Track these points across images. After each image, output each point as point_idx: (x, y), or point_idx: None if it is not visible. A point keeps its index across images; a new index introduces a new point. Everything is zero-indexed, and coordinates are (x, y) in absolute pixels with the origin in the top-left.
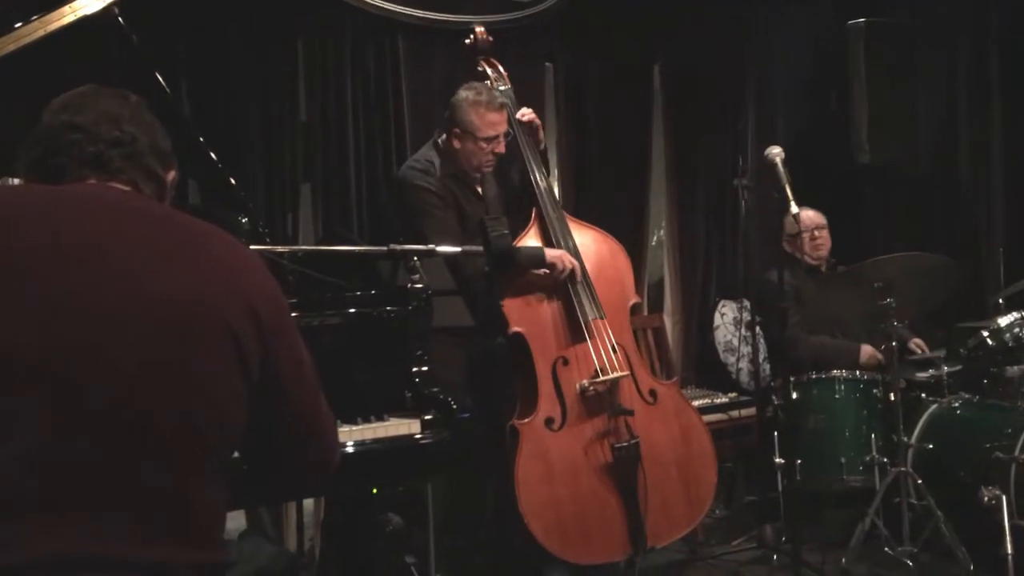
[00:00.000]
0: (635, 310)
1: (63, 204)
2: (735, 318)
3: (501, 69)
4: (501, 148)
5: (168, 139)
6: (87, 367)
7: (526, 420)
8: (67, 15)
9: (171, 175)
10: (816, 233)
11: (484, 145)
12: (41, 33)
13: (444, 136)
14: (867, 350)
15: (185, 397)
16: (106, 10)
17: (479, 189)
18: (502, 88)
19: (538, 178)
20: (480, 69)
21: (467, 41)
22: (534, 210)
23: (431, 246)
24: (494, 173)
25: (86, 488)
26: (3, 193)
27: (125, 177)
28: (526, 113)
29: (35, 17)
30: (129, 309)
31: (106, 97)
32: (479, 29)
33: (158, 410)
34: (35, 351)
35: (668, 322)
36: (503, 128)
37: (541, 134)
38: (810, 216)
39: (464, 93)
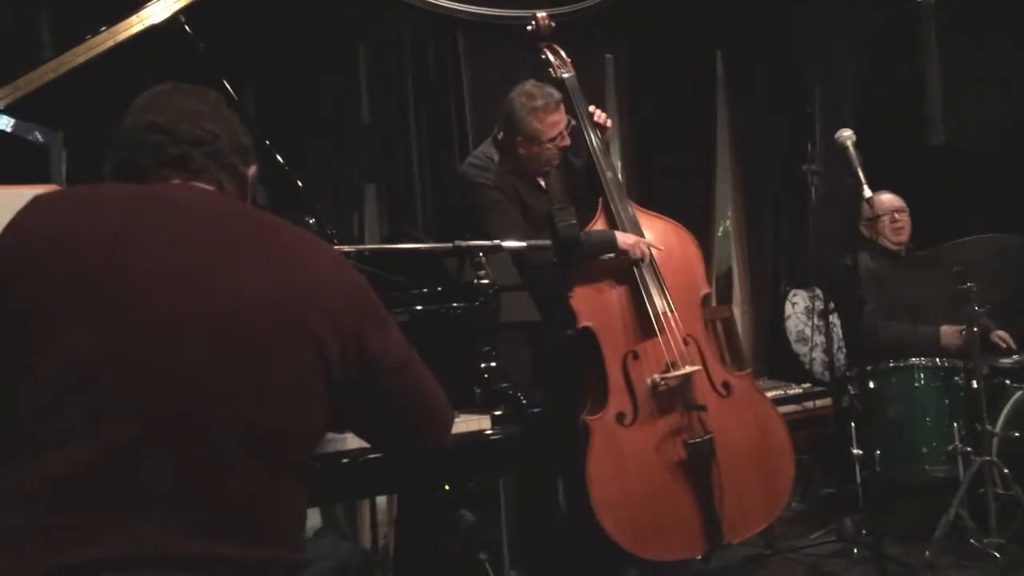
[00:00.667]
0: (706, 301)
1: (138, 203)
2: (807, 307)
3: (564, 55)
4: (566, 141)
5: (248, 135)
6: (153, 368)
7: (597, 415)
8: (135, 24)
9: (252, 170)
10: (897, 216)
11: (550, 146)
12: (111, 43)
13: (502, 133)
14: (946, 331)
15: (256, 398)
16: (172, 19)
17: (541, 183)
18: (565, 75)
19: (604, 168)
20: (543, 56)
21: (529, 28)
22: (600, 200)
23: (496, 241)
24: (563, 165)
25: (151, 487)
26: (77, 194)
27: (208, 176)
28: (599, 115)
29: (104, 28)
30: (199, 309)
31: (185, 95)
32: (541, 15)
33: (225, 411)
34: (99, 352)
35: (737, 313)
36: (564, 123)
37: (608, 133)
38: (889, 199)
39: (519, 100)
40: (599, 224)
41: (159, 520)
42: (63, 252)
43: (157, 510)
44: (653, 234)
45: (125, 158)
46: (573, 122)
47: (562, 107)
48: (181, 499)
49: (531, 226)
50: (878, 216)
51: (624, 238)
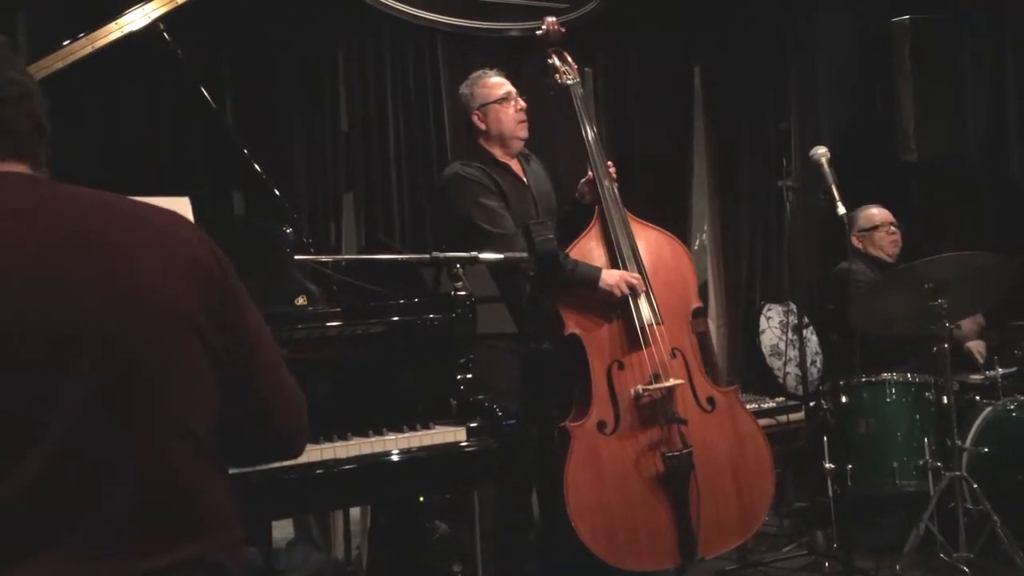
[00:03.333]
0: (698, 314)
1: None
2: (781, 322)
3: (571, 61)
4: (522, 103)
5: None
6: (48, 379)
7: (578, 423)
8: (114, 31)
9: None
10: (892, 228)
11: (508, 105)
12: (89, 50)
13: (473, 134)
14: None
15: (161, 389)
16: (151, 26)
17: (523, 177)
18: (570, 81)
19: (601, 176)
20: (550, 61)
21: (539, 32)
22: (596, 209)
23: (474, 253)
24: (541, 170)
25: (90, 508)
26: None
27: (27, 151)
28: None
29: (82, 34)
30: (73, 312)
31: None
32: (550, 19)
33: (129, 404)
34: None
35: (712, 327)
36: (510, 86)
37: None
38: (883, 212)
39: (461, 92)
40: (594, 231)
41: (106, 538)
42: None
43: (104, 528)
44: (646, 244)
45: None
46: (525, 96)
47: (499, 75)
48: (124, 511)
49: (513, 220)
50: (875, 227)
51: (607, 277)
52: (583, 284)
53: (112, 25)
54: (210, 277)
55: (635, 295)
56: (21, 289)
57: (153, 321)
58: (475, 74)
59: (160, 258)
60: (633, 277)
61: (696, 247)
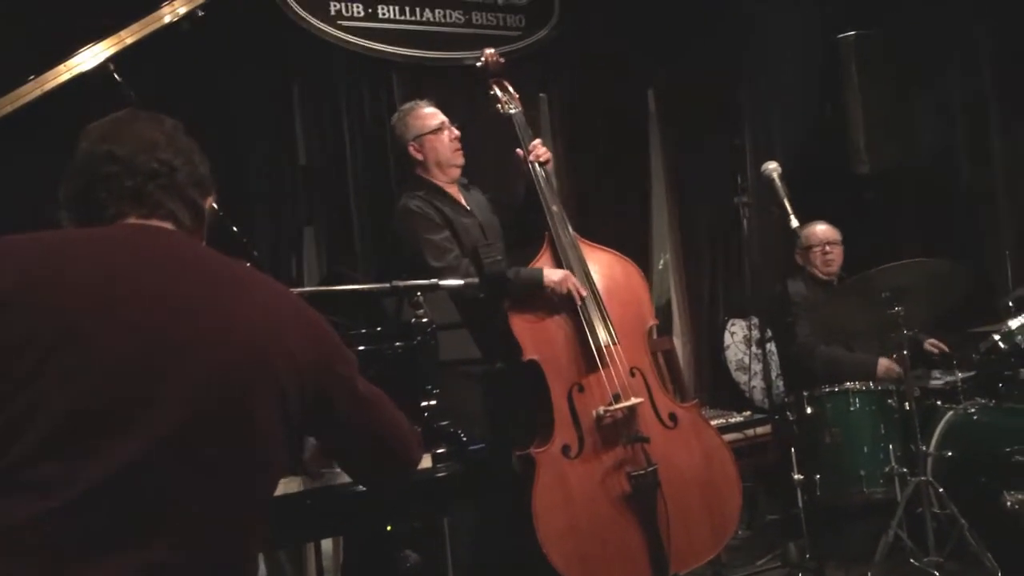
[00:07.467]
0: (657, 332)
1: (99, 251)
2: (745, 336)
3: (512, 91)
4: (456, 132)
5: (206, 163)
6: (133, 425)
7: (542, 448)
8: (63, 74)
9: (209, 201)
10: (828, 248)
11: (441, 135)
12: (38, 93)
13: (411, 165)
14: (883, 364)
15: (230, 446)
16: (102, 66)
17: (464, 204)
18: (513, 111)
19: (549, 202)
20: (492, 92)
21: (478, 64)
22: (546, 235)
23: (434, 280)
24: (488, 198)
25: (133, 535)
26: (39, 240)
27: (164, 211)
28: (541, 154)
29: (31, 77)
30: (176, 361)
31: (142, 123)
32: (489, 51)
33: (196, 462)
34: (72, 404)
35: (678, 344)
36: (442, 116)
37: (549, 167)
38: (822, 231)
39: (393, 121)
40: (545, 257)
41: (144, 562)
42: (30, 301)
43: (137, 554)
44: (598, 266)
45: (80, 187)
46: (460, 124)
47: (430, 106)
48: (162, 542)
49: (462, 246)
50: (810, 247)
51: (550, 275)
52: (528, 287)
53: (61, 67)
54: (308, 344)
55: (587, 314)
56: (133, 324)
57: (241, 384)
58: (406, 106)
59: (260, 321)
60: (573, 280)
61: (660, 267)
